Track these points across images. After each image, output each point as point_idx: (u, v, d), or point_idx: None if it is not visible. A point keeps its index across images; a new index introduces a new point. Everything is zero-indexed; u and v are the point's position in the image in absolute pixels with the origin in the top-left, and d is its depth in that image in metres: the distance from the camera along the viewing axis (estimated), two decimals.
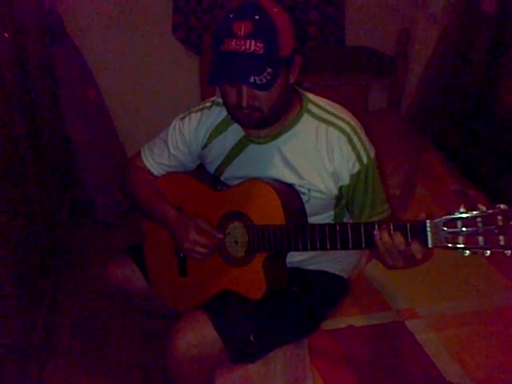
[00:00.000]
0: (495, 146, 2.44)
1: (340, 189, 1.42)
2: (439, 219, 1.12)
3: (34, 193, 2.01)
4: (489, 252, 1.08)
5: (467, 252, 1.10)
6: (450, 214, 1.11)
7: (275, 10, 1.25)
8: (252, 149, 1.44)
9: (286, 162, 1.40)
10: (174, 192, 1.54)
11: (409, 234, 1.15)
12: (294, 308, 1.47)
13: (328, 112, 1.40)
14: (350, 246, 1.24)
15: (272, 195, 1.33)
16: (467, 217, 1.09)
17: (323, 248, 1.28)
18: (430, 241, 1.13)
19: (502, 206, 1.07)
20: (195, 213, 1.45)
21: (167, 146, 1.54)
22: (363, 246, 1.23)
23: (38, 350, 1.90)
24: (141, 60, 2.66)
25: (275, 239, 1.32)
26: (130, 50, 2.63)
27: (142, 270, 1.62)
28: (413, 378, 1.43)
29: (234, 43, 1.21)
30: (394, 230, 1.17)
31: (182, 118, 1.52)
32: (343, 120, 1.39)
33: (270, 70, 1.21)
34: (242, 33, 1.20)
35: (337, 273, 1.58)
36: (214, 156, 1.50)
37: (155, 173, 1.59)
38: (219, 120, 1.47)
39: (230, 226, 1.42)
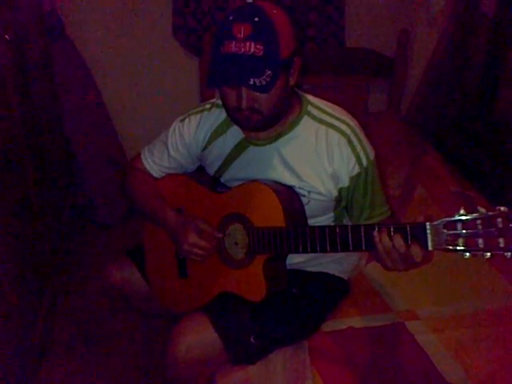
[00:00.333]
0: (495, 147, 2.45)
1: (340, 191, 1.42)
2: (439, 221, 1.11)
3: (33, 194, 2.01)
4: (489, 254, 1.08)
5: (467, 254, 1.10)
6: (450, 217, 1.11)
7: (275, 11, 1.25)
8: (252, 151, 1.44)
9: (286, 164, 1.40)
10: (174, 194, 1.54)
11: (409, 237, 1.15)
12: (294, 309, 1.47)
13: (328, 114, 1.40)
14: (351, 248, 1.24)
15: (272, 197, 1.33)
16: (467, 219, 1.09)
17: (323, 250, 1.28)
18: (429, 243, 1.13)
19: (501, 209, 1.07)
20: (195, 215, 1.45)
21: (167, 148, 1.54)
22: (363, 248, 1.23)
23: (36, 351, 1.91)
24: (140, 61, 2.66)
25: (275, 241, 1.32)
26: (129, 52, 2.63)
27: (141, 272, 1.62)
28: (413, 379, 1.43)
29: (233, 45, 1.21)
30: (394, 232, 1.17)
31: (182, 120, 1.53)
32: (343, 122, 1.39)
33: (269, 72, 1.21)
34: (242, 35, 1.20)
35: (336, 274, 1.59)
36: (214, 158, 1.50)
37: (155, 175, 1.59)
38: (219, 122, 1.47)
39: (230, 227, 1.42)
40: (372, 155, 1.42)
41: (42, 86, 2.28)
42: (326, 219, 1.48)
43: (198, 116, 1.50)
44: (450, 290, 1.71)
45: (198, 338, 1.35)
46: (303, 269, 1.55)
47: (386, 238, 1.17)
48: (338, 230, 1.24)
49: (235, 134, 1.44)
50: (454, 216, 1.10)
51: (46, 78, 2.39)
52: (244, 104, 1.26)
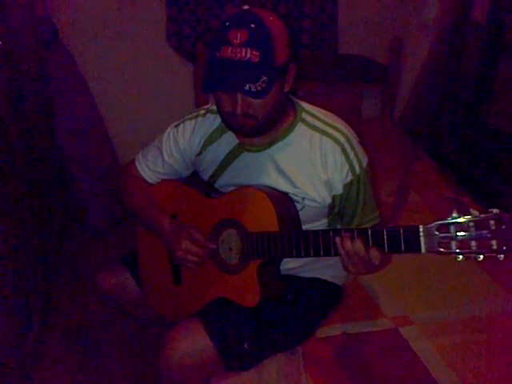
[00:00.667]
0: (488, 153, 2.46)
1: (333, 198, 1.42)
2: (432, 224, 1.12)
3: (26, 200, 2.00)
4: (482, 257, 1.08)
5: (460, 257, 1.10)
6: (443, 219, 1.11)
7: (271, 18, 1.25)
8: (246, 157, 1.44)
9: (280, 171, 1.40)
10: (168, 200, 1.54)
11: (369, 240, 1.18)
12: (288, 315, 1.47)
13: (322, 121, 1.40)
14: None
15: (265, 202, 1.33)
16: (460, 222, 1.09)
17: (317, 254, 1.28)
18: (423, 246, 1.13)
19: (494, 211, 1.07)
20: (189, 220, 1.45)
21: (161, 154, 1.54)
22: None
23: (28, 361, 1.89)
24: (134, 67, 2.66)
25: (269, 246, 1.32)
26: (123, 58, 2.63)
27: (135, 278, 1.61)
28: None
29: (229, 51, 1.21)
30: (357, 236, 1.19)
31: (176, 126, 1.52)
32: (337, 129, 1.39)
33: (265, 78, 1.22)
34: (238, 41, 1.21)
35: (330, 280, 1.58)
36: (208, 163, 1.50)
37: (149, 180, 1.58)
38: (213, 127, 1.47)
39: (224, 233, 1.42)
40: (365, 162, 1.42)
41: (35, 93, 2.28)
42: (319, 225, 1.48)
43: (193, 122, 1.50)
44: (445, 296, 1.72)
45: (192, 344, 1.34)
46: (297, 274, 1.54)
47: (347, 243, 1.19)
48: (331, 234, 1.24)
49: (229, 139, 1.44)
50: (446, 219, 1.11)
51: (40, 85, 2.39)
52: (239, 109, 1.26)
